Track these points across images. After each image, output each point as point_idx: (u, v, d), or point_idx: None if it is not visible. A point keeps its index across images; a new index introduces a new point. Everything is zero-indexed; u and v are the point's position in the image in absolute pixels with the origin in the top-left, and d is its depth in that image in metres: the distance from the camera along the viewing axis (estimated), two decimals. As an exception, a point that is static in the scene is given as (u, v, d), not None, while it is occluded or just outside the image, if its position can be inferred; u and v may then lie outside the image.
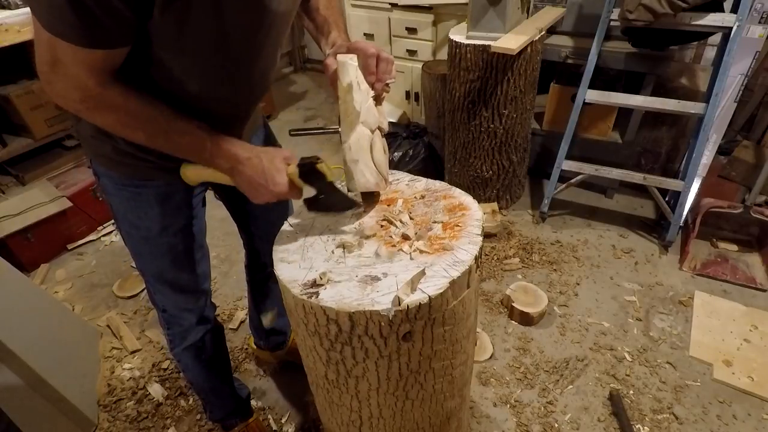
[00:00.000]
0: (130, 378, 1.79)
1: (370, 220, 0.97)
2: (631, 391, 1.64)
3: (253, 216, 1.31)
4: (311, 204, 0.96)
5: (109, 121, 0.79)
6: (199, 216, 1.13)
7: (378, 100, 0.98)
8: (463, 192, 1.02)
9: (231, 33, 0.80)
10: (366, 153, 0.92)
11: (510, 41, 1.96)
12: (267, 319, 1.61)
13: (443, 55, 2.70)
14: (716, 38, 2.26)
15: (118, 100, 0.76)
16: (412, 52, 2.98)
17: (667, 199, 2.28)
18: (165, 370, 1.81)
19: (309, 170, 0.88)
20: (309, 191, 0.92)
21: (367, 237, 0.92)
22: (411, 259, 0.85)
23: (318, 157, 0.88)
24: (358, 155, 0.90)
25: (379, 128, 0.97)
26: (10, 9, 2.59)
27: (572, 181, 2.34)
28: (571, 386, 1.67)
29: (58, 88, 0.74)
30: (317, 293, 0.79)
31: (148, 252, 1.09)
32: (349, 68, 0.89)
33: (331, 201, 0.96)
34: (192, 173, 0.96)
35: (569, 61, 2.30)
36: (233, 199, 1.26)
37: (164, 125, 0.81)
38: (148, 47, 0.76)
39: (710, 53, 2.46)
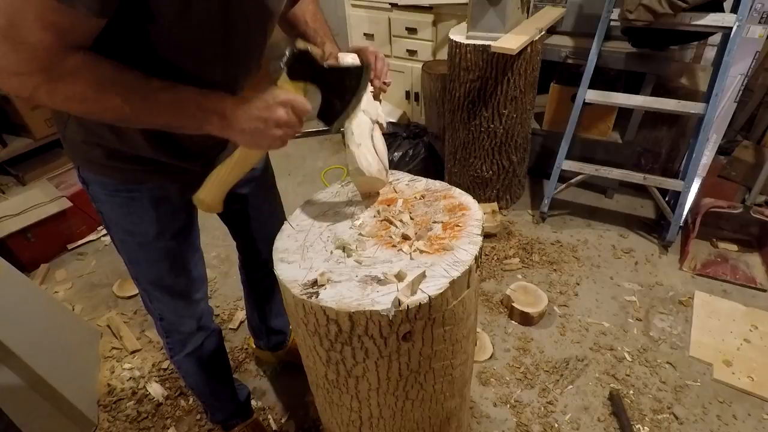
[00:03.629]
0: (130, 378, 1.79)
1: (370, 220, 0.97)
2: (631, 391, 1.64)
3: (253, 218, 1.31)
4: (327, 112, 0.84)
5: (77, 89, 0.67)
6: (194, 218, 1.13)
7: (375, 97, 1.00)
8: (463, 192, 1.03)
9: (230, 14, 0.79)
10: (368, 139, 0.93)
11: (510, 41, 1.96)
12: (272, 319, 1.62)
13: (443, 55, 2.71)
14: (716, 38, 2.26)
15: (85, 62, 0.67)
16: (412, 52, 2.98)
17: (667, 199, 2.28)
18: (165, 370, 1.81)
19: (293, 60, 0.78)
20: (312, 101, 0.81)
21: (367, 237, 0.92)
22: (411, 259, 0.85)
23: (287, 45, 0.79)
24: (360, 139, 0.92)
25: (378, 123, 0.98)
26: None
27: (572, 181, 2.34)
28: (571, 386, 1.67)
29: (11, 61, 0.63)
30: (317, 293, 0.79)
31: (144, 258, 1.07)
32: (350, 62, 0.94)
33: (340, 85, 0.83)
34: (208, 192, 0.88)
35: (569, 61, 2.30)
36: (231, 204, 1.25)
37: (142, 84, 0.71)
38: (149, 23, 0.72)
39: (710, 53, 2.46)
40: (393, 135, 2.64)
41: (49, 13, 0.61)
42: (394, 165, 2.54)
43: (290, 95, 0.77)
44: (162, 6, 0.70)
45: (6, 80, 0.65)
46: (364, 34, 3.10)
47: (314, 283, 0.82)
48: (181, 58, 0.80)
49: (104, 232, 2.56)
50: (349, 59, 0.96)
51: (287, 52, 0.79)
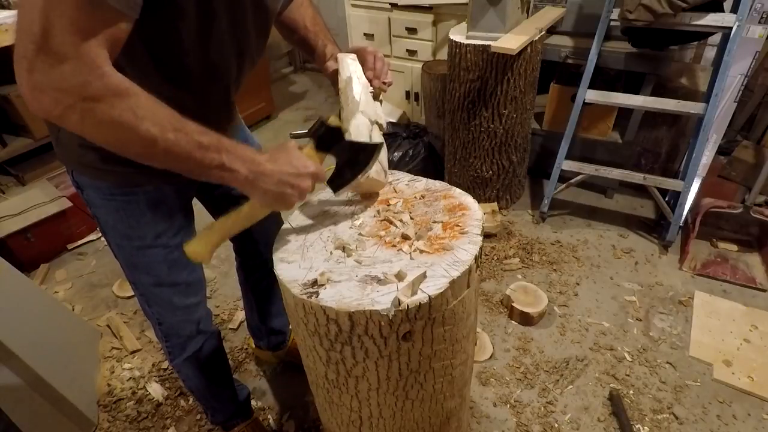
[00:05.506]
0: (130, 378, 1.79)
1: (370, 220, 0.97)
2: (631, 391, 1.64)
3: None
4: (336, 180, 0.89)
5: (114, 114, 0.64)
6: (191, 219, 1.12)
7: (375, 97, 0.99)
8: (463, 192, 1.03)
9: (233, 9, 0.81)
10: (366, 139, 0.93)
11: (510, 41, 1.96)
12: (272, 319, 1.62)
13: (443, 55, 2.70)
14: (716, 38, 2.26)
15: (127, 87, 0.66)
16: (412, 52, 2.98)
17: (667, 199, 2.28)
18: (165, 370, 1.81)
19: (324, 133, 0.84)
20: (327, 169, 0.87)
21: (367, 237, 0.92)
22: (411, 259, 0.85)
23: (320, 117, 0.85)
24: (358, 140, 0.92)
25: (378, 124, 0.98)
26: (9, 9, 2.59)
27: (572, 181, 2.34)
28: (571, 386, 1.67)
29: (48, 75, 0.61)
30: (317, 293, 0.79)
31: (142, 262, 1.05)
32: (350, 63, 0.94)
33: (354, 159, 0.89)
34: (204, 243, 0.86)
35: (569, 61, 2.30)
36: (230, 207, 1.25)
37: (178, 123, 0.70)
38: (180, 20, 0.73)
39: (710, 53, 2.46)
40: (393, 135, 2.63)
41: (81, 14, 0.60)
42: (394, 165, 2.54)
43: (318, 167, 0.82)
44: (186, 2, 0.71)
45: (39, 97, 0.62)
46: (364, 34, 3.10)
47: (314, 282, 0.82)
48: (191, 57, 0.81)
49: (104, 232, 2.56)
50: (349, 60, 0.96)
51: (320, 125, 0.84)
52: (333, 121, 0.85)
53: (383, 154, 1.00)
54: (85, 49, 0.61)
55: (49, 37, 0.59)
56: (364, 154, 0.90)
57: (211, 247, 0.86)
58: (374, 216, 0.98)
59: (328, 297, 0.78)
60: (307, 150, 0.85)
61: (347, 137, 0.88)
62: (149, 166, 0.92)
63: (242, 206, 0.86)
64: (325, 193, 1.08)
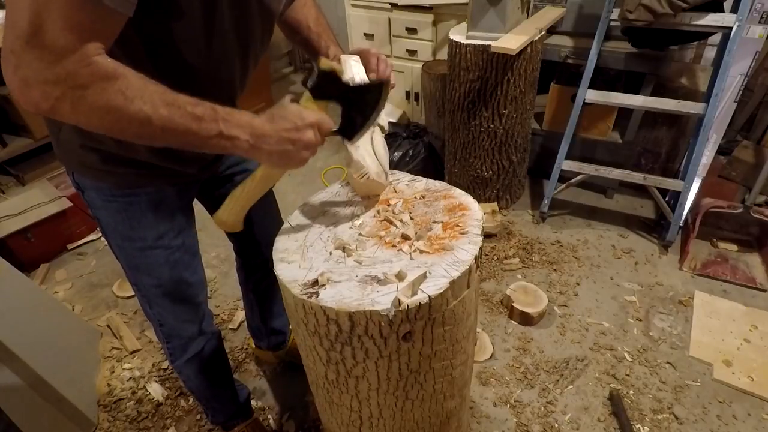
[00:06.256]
0: (130, 378, 1.79)
1: (370, 220, 0.97)
2: (631, 391, 1.64)
3: (254, 220, 1.30)
4: (347, 128, 0.85)
5: (104, 99, 0.64)
6: (192, 220, 1.12)
7: None
8: (463, 192, 1.03)
9: (236, 10, 0.81)
10: (367, 141, 0.93)
11: (510, 41, 1.96)
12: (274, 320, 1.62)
13: (443, 55, 2.71)
14: (716, 38, 2.26)
15: (115, 70, 0.65)
16: (412, 52, 2.98)
17: (667, 199, 2.28)
18: (165, 370, 1.81)
19: (318, 80, 0.79)
20: (332, 117, 0.81)
21: (367, 237, 0.92)
22: (411, 259, 0.85)
23: (311, 63, 0.80)
24: (359, 142, 0.92)
25: (379, 126, 0.98)
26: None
27: (572, 181, 2.34)
28: (571, 386, 1.67)
29: (36, 69, 0.60)
30: (317, 293, 0.79)
31: (143, 263, 1.05)
32: (352, 65, 0.93)
33: (361, 101, 0.84)
34: (229, 212, 0.88)
35: (569, 61, 2.30)
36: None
37: (169, 97, 0.69)
38: (176, 20, 0.72)
39: (710, 53, 2.46)
40: (393, 135, 2.64)
41: (75, 11, 0.59)
42: (394, 165, 2.53)
43: (317, 116, 0.78)
44: (190, 1, 0.71)
45: (28, 92, 0.62)
46: (364, 34, 3.10)
47: (314, 283, 0.82)
48: (196, 57, 0.81)
49: (104, 232, 2.56)
50: (352, 62, 0.95)
51: (313, 72, 0.79)
52: (324, 64, 0.79)
53: (384, 156, 1.00)
54: (76, 44, 0.61)
55: (39, 33, 0.58)
56: (370, 95, 0.84)
57: (239, 215, 0.89)
58: (374, 216, 0.98)
59: (328, 297, 0.78)
60: (303, 101, 0.81)
61: (344, 78, 0.82)
62: (150, 167, 0.93)
63: (256, 171, 0.86)
64: (325, 193, 1.08)
